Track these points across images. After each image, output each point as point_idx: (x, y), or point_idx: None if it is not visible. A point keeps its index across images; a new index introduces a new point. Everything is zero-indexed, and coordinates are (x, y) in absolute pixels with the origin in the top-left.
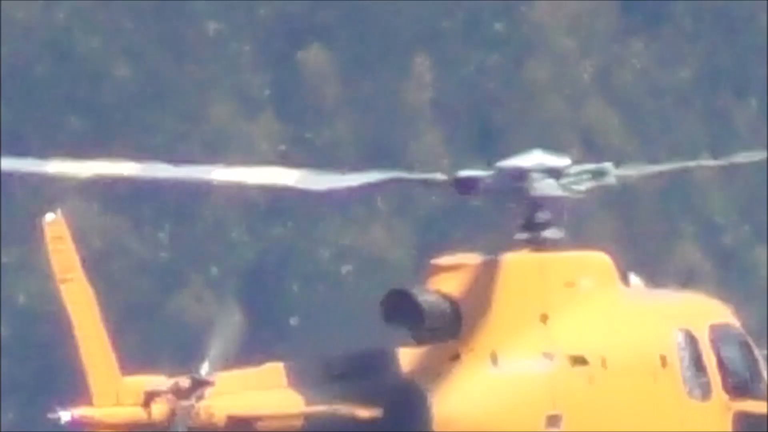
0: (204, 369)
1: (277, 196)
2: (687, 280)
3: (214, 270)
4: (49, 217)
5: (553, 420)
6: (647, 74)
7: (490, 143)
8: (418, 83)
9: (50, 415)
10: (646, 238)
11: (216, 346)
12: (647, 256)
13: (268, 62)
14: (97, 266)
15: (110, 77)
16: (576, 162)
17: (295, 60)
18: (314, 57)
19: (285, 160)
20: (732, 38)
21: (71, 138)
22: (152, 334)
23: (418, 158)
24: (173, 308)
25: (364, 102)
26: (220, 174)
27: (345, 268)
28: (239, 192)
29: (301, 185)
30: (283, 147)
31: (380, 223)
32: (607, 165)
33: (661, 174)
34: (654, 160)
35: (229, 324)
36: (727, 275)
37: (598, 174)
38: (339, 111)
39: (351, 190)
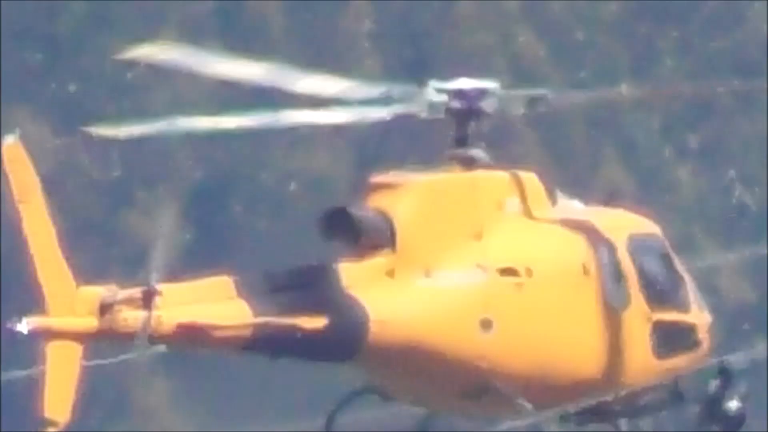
0: (153, 280)
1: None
2: (609, 196)
3: (161, 189)
4: (8, 139)
5: (486, 324)
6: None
7: (424, 71)
8: (356, 14)
9: (8, 325)
10: (571, 158)
11: (159, 256)
12: (571, 175)
13: None
14: (48, 184)
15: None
16: (505, 87)
17: None
18: None
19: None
20: None
21: (21, 60)
22: (102, 250)
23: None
24: (122, 225)
25: (305, 32)
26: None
27: (290, 187)
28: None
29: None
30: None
31: (321, 143)
32: (540, 91)
33: (588, 102)
34: (580, 87)
35: (168, 234)
36: (649, 194)
37: (536, 100)
38: (282, 40)
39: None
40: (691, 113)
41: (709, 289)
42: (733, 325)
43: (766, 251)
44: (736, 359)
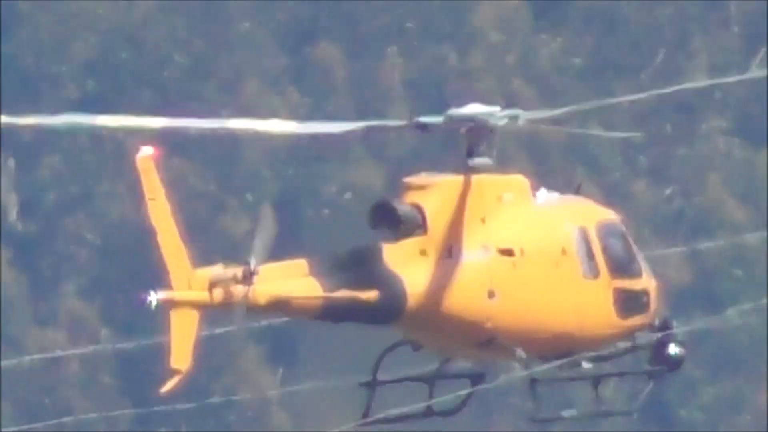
0: (252, 262)
1: (294, 144)
2: (577, 188)
3: (249, 197)
4: (144, 151)
5: (491, 293)
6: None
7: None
8: (391, 70)
9: (142, 297)
10: (552, 167)
11: (259, 245)
12: (552, 178)
13: (288, 51)
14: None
15: (160, 58)
16: (503, 109)
17: (307, 52)
18: (323, 50)
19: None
20: None
21: (127, 105)
22: (207, 243)
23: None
24: (220, 225)
25: (357, 82)
26: (236, 123)
27: (346, 195)
28: (266, 143)
29: (301, 131)
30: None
31: (368, 161)
32: (519, 111)
33: (562, 119)
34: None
35: (267, 228)
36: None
37: (514, 117)
38: (341, 90)
39: (341, 135)
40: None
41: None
42: (674, 301)
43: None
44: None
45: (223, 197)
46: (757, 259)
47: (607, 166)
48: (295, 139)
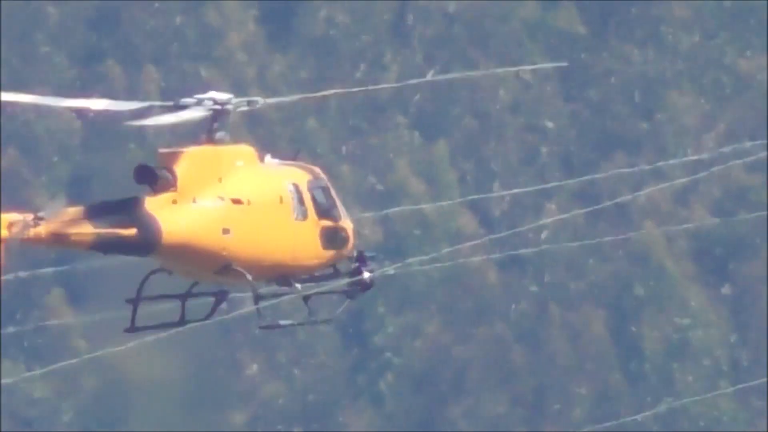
0: (42, 213)
1: (83, 137)
2: (295, 154)
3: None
4: None
5: (226, 230)
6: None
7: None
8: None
9: None
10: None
11: (50, 207)
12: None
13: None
14: None
15: None
16: (237, 96)
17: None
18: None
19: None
20: None
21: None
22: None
23: None
24: (26, 198)
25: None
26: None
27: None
28: (61, 138)
29: (103, 107)
30: None
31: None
32: (258, 98)
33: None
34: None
35: (56, 203)
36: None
37: (252, 102)
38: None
39: (130, 113)
40: None
41: None
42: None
43: None
44: (369, 252)
45: (30, 177)
46: (433, 223)
47: (321, 153)
48: (84, 133)
